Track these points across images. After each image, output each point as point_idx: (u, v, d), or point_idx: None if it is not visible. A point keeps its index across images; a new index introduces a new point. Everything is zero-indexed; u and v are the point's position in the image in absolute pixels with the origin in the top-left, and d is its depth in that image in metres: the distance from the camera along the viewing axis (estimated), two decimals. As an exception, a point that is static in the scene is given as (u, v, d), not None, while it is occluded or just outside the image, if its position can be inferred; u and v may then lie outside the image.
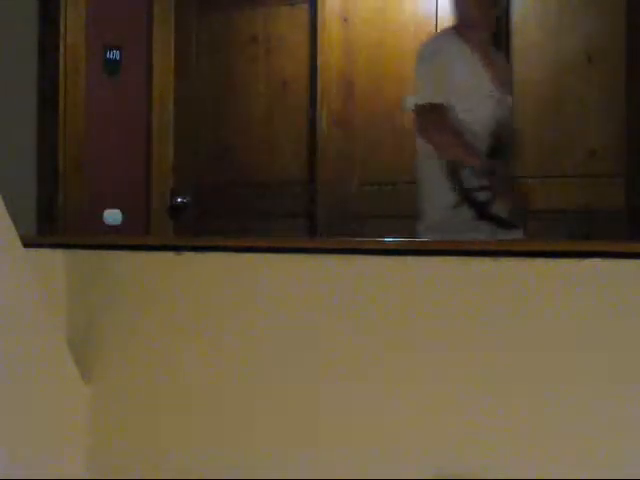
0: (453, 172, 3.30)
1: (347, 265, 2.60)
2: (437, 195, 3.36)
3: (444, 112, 3.28)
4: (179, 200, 4.75)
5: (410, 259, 2.51)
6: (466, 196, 3.28)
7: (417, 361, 2.48)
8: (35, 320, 2.90)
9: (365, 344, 2.56)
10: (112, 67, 4.58)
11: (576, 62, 3.92)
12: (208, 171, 4.76)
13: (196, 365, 2.83)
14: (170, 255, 2.87)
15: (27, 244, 2.88)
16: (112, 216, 4.47)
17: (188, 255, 2.85)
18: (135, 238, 3.76)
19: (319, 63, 4.41)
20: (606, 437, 2.26)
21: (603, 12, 3.92)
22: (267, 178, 4.60)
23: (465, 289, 2.44)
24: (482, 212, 3.29)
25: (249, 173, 4.64)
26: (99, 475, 2.95)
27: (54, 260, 3.03)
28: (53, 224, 4.26)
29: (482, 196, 3.29)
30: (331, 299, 2.62)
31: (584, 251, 2.31)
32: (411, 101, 3.52)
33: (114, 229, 4.43)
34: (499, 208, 3.32)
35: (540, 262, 2.35)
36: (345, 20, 4.35)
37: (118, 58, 4.59)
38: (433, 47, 3.47)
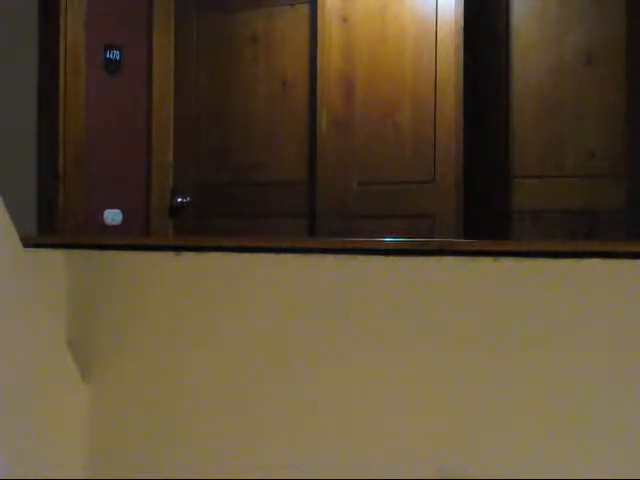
0: None
1: (347, 265, 2.60)
2: None
3: None
4: (179, 200, 4.76)
5: (410, 259, 2.51)
6: None
7: (417, 360, 2.48)
8: (35, 320, 2.90)
9: (365, 343, 2.55)
10: (112, 67, 4.58)
11: (576, 62, 3.92)
12: (208, 171, 4.76)
13: (195, 365, 2.83)
14: (170, 255, 2.87)
15: (27, 244, 2.87)
16: (112, 216, 4.48)
17: (188, 255, 2.85)
18: (135, 238, 3.76)
19: (319, 63, 4.41)
20: (606, 436, 2.26)
21: (603, 12, 3.92)
22: (267, 178, 4.60)
23: (465, 289, 2.44)
24: None
25: (249, 173, 4.64)
26: (99, 475, 2.94)
27: (54, 260, 3.03)
28: (53, 224, 4.26)
29: None
30: (331, 299, 2.62)
31: (584, 251, 2.31)
32: None
33: (114, 229, 4.43)
34: None
35: (540, 262, 2.35)
36: (345, 20, 4.35)
37: (118, 58, 4.59)
38: None
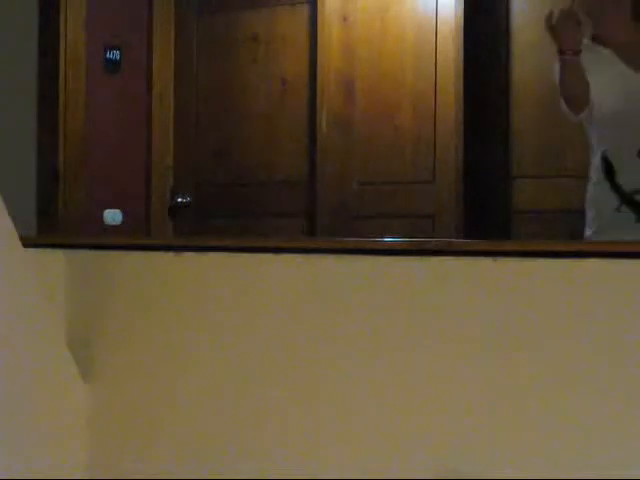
0: (609, 173, 3.24)
1: (347, 265, 2.60)
2: (600, 199, 3.29)
3: None
4: (179, 200, 4.76)
5: (410, 259, 2.51)
6: (627, 198, 3.21)
7: (417, 361, 2.48)
8: (35, 320, 2.90)
9: (365, 344, 2.56)
10: (112, 67, 4.58)
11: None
12: (208, 171, 4.76)
13: (195, 364, 2.83)
14: (170, 255, 2.87)
15: (27, 244, 2.88)
16: (112, 216, 4.47)
17: (188, 255, 2.85)
18: (135, 238, 3.76)
19: (319, 63, 4.41)
20: (607, 437, 2.26)
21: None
22: (267, 178, 4.60)
23: (465, 289, 2.44)
24: None
25: (249, 173, 4.64)
26: (99, 475, 2.94)
27: (54, 260, 3.03)
28: (53, 224, 4.26)
29: None
30: (331, 299, 2.62)
31: (584, 251, 2.31)
32: None
33: (114, 229, 4.43)
34: None
35: (540, 262, 2.35)
36: (345, 20, 4.35)
37: (118, 58, 4.59)
38: None
